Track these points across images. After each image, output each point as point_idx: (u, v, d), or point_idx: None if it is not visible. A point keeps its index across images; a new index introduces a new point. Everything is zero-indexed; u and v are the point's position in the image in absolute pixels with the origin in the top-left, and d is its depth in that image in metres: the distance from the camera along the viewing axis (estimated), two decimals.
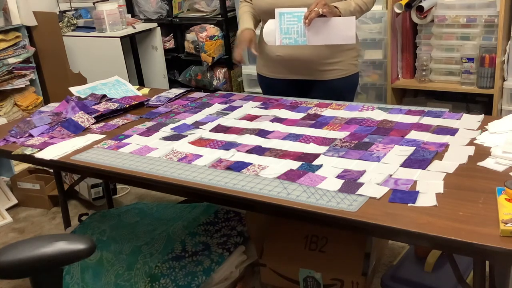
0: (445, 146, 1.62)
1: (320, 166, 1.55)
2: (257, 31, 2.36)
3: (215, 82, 4.15)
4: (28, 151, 1.90)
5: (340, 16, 2.04)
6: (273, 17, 2.08)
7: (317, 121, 1.93)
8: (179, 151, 1.76)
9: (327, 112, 2.01)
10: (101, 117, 2.17)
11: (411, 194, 1.35)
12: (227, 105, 2.21)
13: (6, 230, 3.09)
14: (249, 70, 3.79)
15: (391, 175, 1.47)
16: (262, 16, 2.31)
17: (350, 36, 2.03)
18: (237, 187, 1.48)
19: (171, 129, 1.98)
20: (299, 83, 2.32)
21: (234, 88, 4.17)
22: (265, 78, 2.41)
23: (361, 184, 1.42)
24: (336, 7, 2.05)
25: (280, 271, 2.13)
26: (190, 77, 4.30)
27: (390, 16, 3.08)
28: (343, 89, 2.31)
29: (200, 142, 1.83)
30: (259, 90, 2.54)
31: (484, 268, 1.37)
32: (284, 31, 2.06)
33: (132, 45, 4.13)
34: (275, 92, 2.33)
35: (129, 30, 3.93)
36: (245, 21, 2.31)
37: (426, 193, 1.35)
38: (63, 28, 4.02)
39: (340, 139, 1.74)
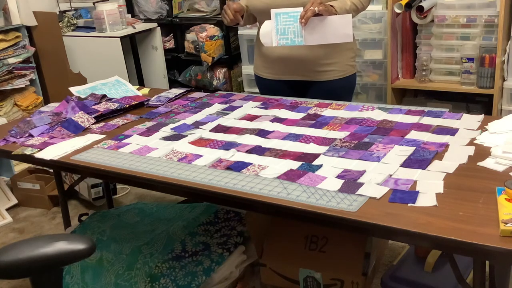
0: (445, 146, 1.62)
1: (320, 166, 1.55)
2: (253, 31, 2.34)
3: (215, 82, 4.15)
4: (28, 151, 1.90)
5: (336, 14, 2.03)
6: (269, 17, 2.07)
7: (317, 121, 1.93)
8: (179, 151, 1.76)
9: (327, 112, 2.01)
10: (101, 117, 2.17)
11: (411, 194, 1.35)
12: (227, 105, 2.21)
13: (6, 230, 3.09)
14: (249, 70, 3.79)
15: (391, 175, 1.47)
16: (258, 17, 2.31)
17: (347, 34, 2.02)
18: (237, 187, 1.48)
19: (171, 129, 1.98)
20: (297, 84, 2.32)
21: (234, 88, 4.17)
22: (262, 79, 2.40)
23: (361, 184, 1.42)
24: (332, 5, 2.04)
25: (280, 271, 2.13)
26: (190, 77, 4.30)
27: (390, 16, 3.08)
28: (341, 90, 2.30)
29: (200, 142, 1.83)
30: None
31: (484, 268, 1.37)
32: (280, 32, 2.05)
33: (132, 45, 4.13)
34: (273, 93, 2.33)
35: (129, 30, 3.93)
36: None
37: (426, 193, 1.35)
38: (63, 28, 4.02)
39: (340, 139, 1.74)
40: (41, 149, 1.90)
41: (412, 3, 3.00)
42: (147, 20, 4.24)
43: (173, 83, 4.32)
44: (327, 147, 1.68)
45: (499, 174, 1.43)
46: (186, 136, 1.90)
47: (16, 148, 1.95)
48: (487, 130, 1.69)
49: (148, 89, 2.59)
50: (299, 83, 2.31)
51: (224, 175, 1.56)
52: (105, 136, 1.99)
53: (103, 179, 2.77)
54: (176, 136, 1.90)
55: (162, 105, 2.30)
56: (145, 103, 2.34)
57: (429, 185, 1.39)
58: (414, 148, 1.61)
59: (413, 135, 1.72)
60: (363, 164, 1.54)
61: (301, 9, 2.01)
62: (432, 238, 1.19)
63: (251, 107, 2.15)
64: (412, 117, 1.87)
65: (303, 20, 1.99)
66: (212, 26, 4.06)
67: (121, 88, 2.53)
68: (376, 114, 1.94)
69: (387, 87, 3.24)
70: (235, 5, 2.23)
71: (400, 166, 1.52)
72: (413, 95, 3.41)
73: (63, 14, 4.12)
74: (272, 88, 2.35)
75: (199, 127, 1.98)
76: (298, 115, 2.01)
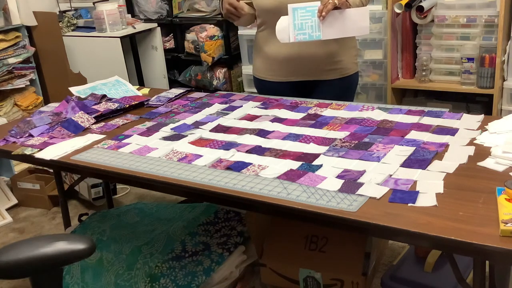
0: (445, 146, 1.62)
1: (320, 166, 1.55)
2: (253, 31, 2.31)
3: (215, 82, 4.15)
4: (28, 151, 1.90)
5: (350, 8, 2.00)
6: (277, 16, 2.05)
7: (317, 121, 1.93)
8: (179, 151, 1.76)
9: (327, 112, 2.01)
10: (101, 117, 2.17)
11: (411, 194, 1.35)
12: (227, 105, 2.21)
13: (6, 230, 3.09)
14: (249, 70, 3.78)
15: (391, 175, 1.47)
16: (264, 17, 2.28)
17: (364, 27, 1.99)
18: (237, 187, 1.48)
19: (171, 129, 1.98)
20: (302, 84, 2.30)
21: (234, 88, 4.17)
22: (264, 82, 2.37)
23: (361, 184, 1.42)
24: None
25: (280, 271, 2.13)
26: (190, 77, 4.30)
27: (390, 16, 3.08)
28: (346, 89, 2.30)
29: (200, 142, 1.83)
30: None
31: (484, 268, 1.37)
32: (298, 27, 2.01)
33: (132, 45, 4.13)
34: (275, 95, 2.30)
35: (129, 30, 3.93)
36: None
37: (426, 193, 1.35)
38: (63, 28, 4.02)
39: (340, 139, 1.74)
40: (41, 149, 1.90)
41: (412, 3, 3.00)
42: (147, 20, 4.24)
43: (173, 83, 4.32)
44: (327, 147, 1.68)
45: (499, 174, 1.43)
46: (186, 136, 1.90)
47: (16, 148, 1.95)
48: (487, 130, 1.69)
49: (148, 89, 2.59)
50: (305, 84, 2.30)
51: (224, 175, 1.56)
52: (105, 136, 1.99)
53: (103, 179, 2.77)
54: (176, 136, 1.90)
55: (162, 105, 2.30)
56: (145, 103, 2.33)
57: (429, 185, 1.39)
58: (414, 148, 1.61)
59: (413, 135, 1.72)
60: (363, 164, 1.54)
61: (318, 3, 1.98)
62: (432, 238, 1.19)
63: (251, 107, 2.15)
64: (412, 117, 1.87)
65: (323, 14, 1.95)
66: (212, 26, 4.06)
67: (121, 88, 2.53)
68: (376, 114, 1.94)
69: (387, 87, 3.24)
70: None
71: (400, 166, 1.51)
72: (413, 95, 3.41)
73: (63, 14, 4.12)
74: (275, 91, 2.32)
75: (199, 127, 1.98)
76: (298, 115, 2.01)
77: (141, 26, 4.04)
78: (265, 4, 2.20)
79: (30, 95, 3.67)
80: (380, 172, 1.48)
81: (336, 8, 1.96)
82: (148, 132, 1.97)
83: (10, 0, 3.50)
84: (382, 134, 1.75)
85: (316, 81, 2.28)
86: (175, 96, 2.41)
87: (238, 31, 3.81)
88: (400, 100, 3.36)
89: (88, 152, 1.85)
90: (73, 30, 4.08)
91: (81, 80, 3.70)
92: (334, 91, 2.25)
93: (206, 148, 1.77)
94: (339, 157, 1.61)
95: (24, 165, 3.50)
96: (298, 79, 2.29)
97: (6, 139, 2.04)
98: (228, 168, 1.60)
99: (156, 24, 4.13)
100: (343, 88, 2.29)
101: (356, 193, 1.38)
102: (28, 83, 3.65)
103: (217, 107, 2.20)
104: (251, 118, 2.03)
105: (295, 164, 1.58)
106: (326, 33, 2.00)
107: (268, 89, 2.36)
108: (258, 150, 1.71)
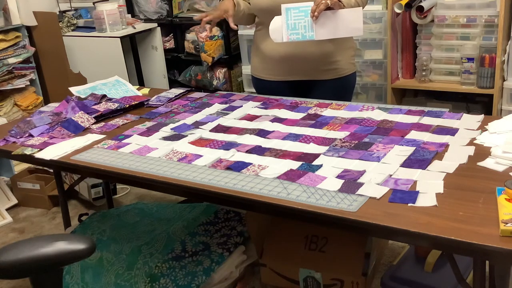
0: (445, 146, 1.62)
1: (320, 166, 1.56)
2: (251, 31, 2.31)
3: (215, 82, 4.15)
4: (28, 151, 1.90)
5: (343, 8, 2.00)
6: (272, 16, 2.05)
7: (317, 121, 1.93)
8: (179, 151, 1.76)
9: (327, 112, 2.01)
10: (101, 117, 2.17)
11: (411, 194, 1.35)
12: (227, 105, 2.21)
13: (6, 230, 3.09)
14: (249, 70, 3.77)
15: (391, 175, 1.47)
16: (260, 17, 2.29)
17: (357, 28, 1.99)
18: (237, 187, 1.48)
19: (171, 129, 1.98)
20: (299, 84, 2.31)
21: (234, 88, 4.17)
22: (262, 81, 2.37)
23: (361, 184, 1.42)
24: (339, 0, 2.00)
25: (280, 271, 2.13)
26: (190, 77, 4.30)
27: (390, 16, 3.08)
28: (343, 89, 2.30)
29: (200, 142, 1.83)
30: None
31: (484, 268, 1.37)
32: (291, 27, 2.02)
33: (132, 45, 4.13)
34: (273, 94, 2.31)
35: (129, 30, 3.93)
36: None
37: (426, 193, 1.35)
38: (63, 28, 4.02)
39: (340, 139, 1.74)
40: (41, 149, 1.90)
41: (412, 3, 3.00)
42: (147, 20, 4.24)
43: (173, 83, 4.32)
44: (327, 147, 1.68)
45: (499, 174, 1.43)
46: (186, 136, 1.90)
47: (16, 148, 1.95)
48: (487, 130, 1.69)
49: (148, 89, 2.59)
50: (302, 83, 2.30)
51: (224, 175, 1.56)
52: (105, 136, 1.99)
53: (103, 179, 2.77)
54: (176, 136, 1.90)
55: (162, 105, 2.30)
56: (145, 103, 2.34)
57: (429, 185, 1.39)
58: (414, 148, 1.61)
59: (413, 135, 1.72)
60: (363, 164, 1.54)
61: (311, 3, 1.98)
62: (432, 238, 1.19)
63: (251, 107, 2.15)
64: (412, 117, 1.87)
65: (315, 14, 1.95)
66: None
67: (121, 88, 2.53)
68: (376, 114, 1.94)
69: (387, 87, 3.24)
70: (224, 6, 2.16)
71: (400, 166, 1.51)
72: (413, 95, 3.41)
73: (63, 14, 4.12)
74: (273, 90, 2.33)
75: (199, 127, 1.98)
76: (298, 115, 2.01)
77: (141, 26, 4.03)
78: (260, 3, 2.21)
79: (30, 95, 3.67)
80: (380, 172, 1.48)
81: (329, 8, 1.96)
82: (148, 132, 1.97)
83: (10, 0, 3.50)
84: (382, 134, 1.75)
85: (312, 81, 2.28)
86: (175, 96, 2.41)
87: (238, 31, 3.81)
88: (400, 100, 3.36)
89: (88, 152, 1.85)
90: (73, 30, 4.08)
91: (81, 80, 3.70)
92: (331, 92, 2.25)
93: (206, 148, 1.77)
94: (339, 157, 1.61)
95: (24, 165, 3.50)
96: (294, 79, 2.29)
97: (6, 139, 2.04)
98: (228, 168, 1.60)
99: (156, 24, 4.13)
100: (340, 89, 2.29)
101: (356, 193, 1.38)
102: (28, 83, 3.65)
103: (217, 107, 2.20)
104: (251, 118, 2.03)
105: (295, 164, 1.58)
106: (319, 33, 2.01)
107: (266, 88, 2.36)
108: (258, 150, 1.71)
